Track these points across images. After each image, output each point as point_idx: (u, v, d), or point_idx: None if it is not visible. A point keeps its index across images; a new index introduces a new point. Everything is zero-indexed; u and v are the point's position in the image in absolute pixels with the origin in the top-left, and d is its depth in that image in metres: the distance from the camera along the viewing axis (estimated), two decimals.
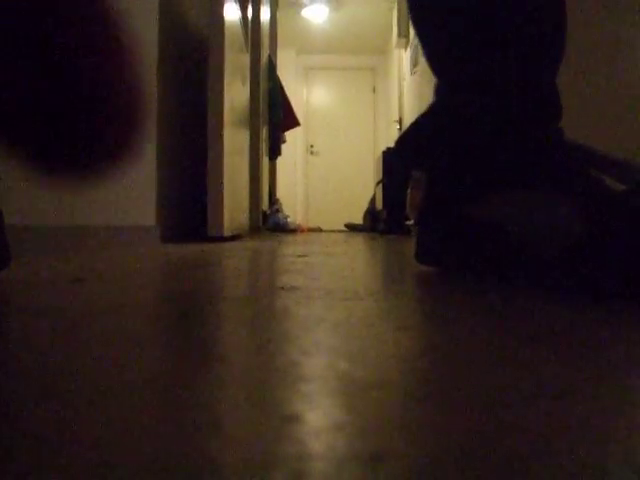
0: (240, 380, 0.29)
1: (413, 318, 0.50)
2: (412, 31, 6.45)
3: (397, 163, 3.95)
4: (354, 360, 0.34)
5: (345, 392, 0.27)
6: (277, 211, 5.14)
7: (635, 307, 0.55)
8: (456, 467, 0.19)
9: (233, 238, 2.86)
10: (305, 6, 6.89)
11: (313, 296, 0.64)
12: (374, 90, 8.68)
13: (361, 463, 0.19)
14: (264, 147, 4.68)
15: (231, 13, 2.76)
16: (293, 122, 5.27)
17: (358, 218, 6.19)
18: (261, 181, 4.43)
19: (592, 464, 0.19)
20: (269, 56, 5.16)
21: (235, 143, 2.97)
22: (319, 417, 0.24)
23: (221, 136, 2.55)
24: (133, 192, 2.10)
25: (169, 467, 0.19)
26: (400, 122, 7.29)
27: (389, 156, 4.65)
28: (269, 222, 4.89)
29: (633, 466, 0.19)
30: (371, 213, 5.42)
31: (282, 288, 0.72)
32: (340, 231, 5.64)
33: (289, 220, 5.24)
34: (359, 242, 2.75)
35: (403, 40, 6.85)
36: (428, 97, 3.74)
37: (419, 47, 4.14)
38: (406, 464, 0.19)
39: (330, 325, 0.46)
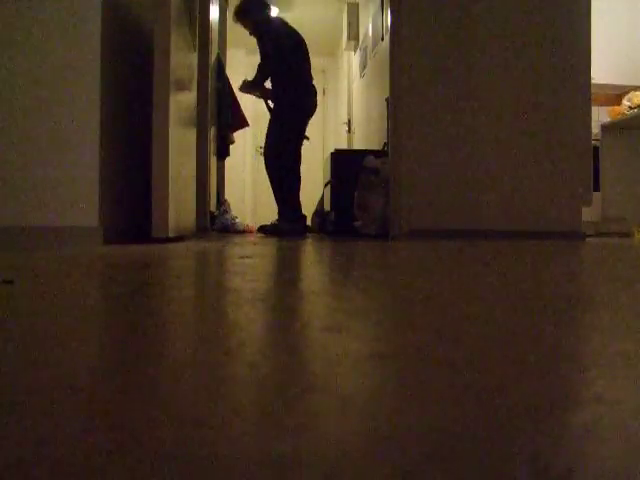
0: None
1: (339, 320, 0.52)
2: (362, 34, 6.52)
3: None
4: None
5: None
6: (225, 212, 5.10)
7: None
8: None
9: (178, 239, 2.83)
10: None
11: (245, 298, 0.65)
12: (324, 92, 8.73)
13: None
14: (212, 147, 4.64)
15: (178, 11, 2.74)
16: (242, 123, 5.23)
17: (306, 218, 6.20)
18: (209, 182, 4.38)
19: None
20: (218, 55, 5.11)
21: (181, 143, 2.94)
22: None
23: (166, 135, 2.52)
24: (74, 192, 2.05)
25: None
26: (349, 124, 7.35)
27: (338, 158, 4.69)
28: (217, 223, 4.84)
29: None
30: (319, 214, 5.44)
31: (216, 289, 0.73)
32: None
33: (237, 221, 5.20)
34: (305, 243, 2.76)
35: (353, 42, 6.91)
36: (376, 100, 3.84)
37: (368, 50, 4.26)
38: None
39: (255, 327, 0.47)
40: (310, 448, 0.21)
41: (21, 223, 1.65)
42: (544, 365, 0.34)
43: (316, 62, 8.67)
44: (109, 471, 0.19)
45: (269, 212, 7.87)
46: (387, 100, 3.88)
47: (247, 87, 4.51)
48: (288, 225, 4.23)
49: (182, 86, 2.94)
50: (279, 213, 4.38)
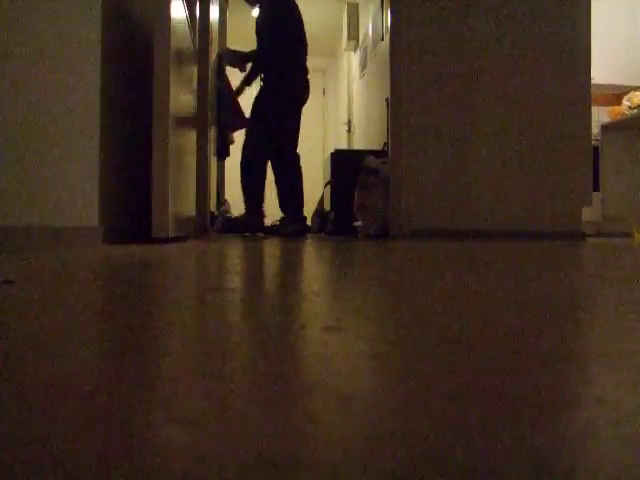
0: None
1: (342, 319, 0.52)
2: (362, 34, 6.52)
3: None
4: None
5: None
6: (225, 212, 5.10)
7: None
8: None
9: (178, 239, 2.83)
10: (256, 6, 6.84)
11: (245, 298, 0.65)
12: (324, 92, 8.73)
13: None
14: (212, 147, 4.64)
15: (178, 10, 2.74)
16: (242, 123, 5.23)
17: (307, 219, 6.21)
18: (208, 182, 4.38)
19: None
20: (218, 54, 5.11)
21: (181, 143, 2.94)
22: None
23: (166, 135, 2.52)
24: (75, 192, 2.05)
25: None
26: (349, 124, 7.35)
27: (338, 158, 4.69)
28: (217, 223, 4.84)
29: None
30: (319, 214, 5.44)
31: (217, 290, 0.73)
32: None
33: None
34: (305, 243, 2.76)
35: (353, 43, 6.91)
36: (376, 100, 3.83)
37: (368, 50, 4.27)
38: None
39: (249, 329, 0.47)
40: (310, 448, 0.21)
41: (21, 223, 1.65)
42: (544, 365, 0.34)
43: (316, 62, 8.67)
44: (108, 472, 0.19)
45: (269, 212, 7.86)
46: (387, 100, 3.88)
47: (235, 58, 4.36)
48: (290, 226, 4.20)
49: (182, 86, 2.94)
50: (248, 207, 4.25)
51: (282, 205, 4.28)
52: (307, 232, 4.39)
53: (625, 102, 5.43)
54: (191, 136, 3.53)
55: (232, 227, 4.25)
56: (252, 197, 4.22)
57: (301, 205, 4.27)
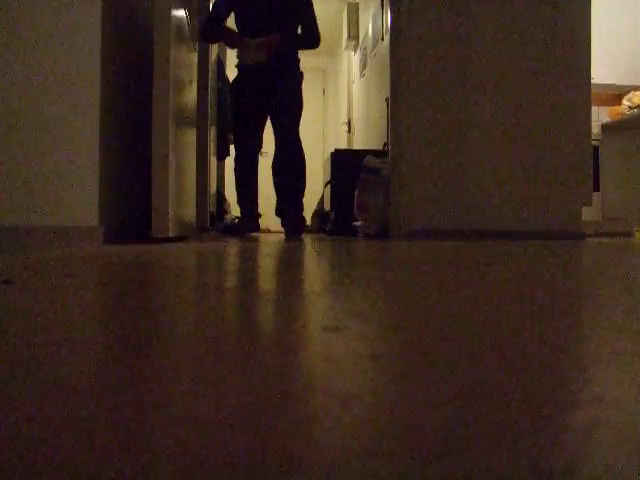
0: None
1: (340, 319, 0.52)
2: (362, 34, 6.52)
3: None
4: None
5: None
6: (225, 212, 5.11)
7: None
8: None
9: (178, 239, 2.83)
10: None
11: (244, 297, 0.65)
12: (324, 92, 8.73)
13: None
14: (212, 147, 4.64)
15: (178, 9, 2.74)
16: None
17: (307, 219, 6.22)
18: (209, 182, 4.39)
19: None
20: (218, 55, 5.12)
21: (181, 142, 2.94)
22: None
23: (166, 135, 2.52)
24: (74, 192, 2.05)
25: None
26: (349, 124, 7.34)
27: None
28: (217, 223, 4.85)
29: None
30: (319, 214, 5.44)
31: (216, 290, 0.73)
32: None
33: (237, 221, 5.21)
34: (305, 243, 2.76)
35: (353, 42, 6.91)
36: (376, 100, 3.83)
37: (368, 50, 4.24)
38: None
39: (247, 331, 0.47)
40: (310, 448, 0.21)
41: (21, 223, 1.65)
42: (543, 365, 0.34)
43: (316, 62, 8.67)
44: (107, 472, 0.19)
45: (271, 212, 7.85)
46: (387, 100, 3.88)
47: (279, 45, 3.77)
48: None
49: (182, 86, 2.94)
50: (300, 207, 3.96)
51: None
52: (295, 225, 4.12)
53: (625, 102, 5.43)
54: (191, 136, 3.53)
55: (230, 229, 4.19)
56: (244, 197, 4.07)
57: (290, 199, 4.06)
